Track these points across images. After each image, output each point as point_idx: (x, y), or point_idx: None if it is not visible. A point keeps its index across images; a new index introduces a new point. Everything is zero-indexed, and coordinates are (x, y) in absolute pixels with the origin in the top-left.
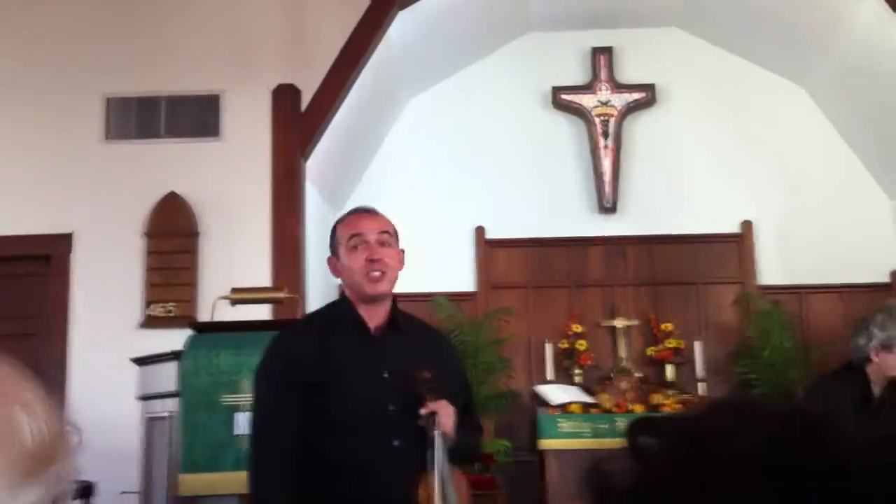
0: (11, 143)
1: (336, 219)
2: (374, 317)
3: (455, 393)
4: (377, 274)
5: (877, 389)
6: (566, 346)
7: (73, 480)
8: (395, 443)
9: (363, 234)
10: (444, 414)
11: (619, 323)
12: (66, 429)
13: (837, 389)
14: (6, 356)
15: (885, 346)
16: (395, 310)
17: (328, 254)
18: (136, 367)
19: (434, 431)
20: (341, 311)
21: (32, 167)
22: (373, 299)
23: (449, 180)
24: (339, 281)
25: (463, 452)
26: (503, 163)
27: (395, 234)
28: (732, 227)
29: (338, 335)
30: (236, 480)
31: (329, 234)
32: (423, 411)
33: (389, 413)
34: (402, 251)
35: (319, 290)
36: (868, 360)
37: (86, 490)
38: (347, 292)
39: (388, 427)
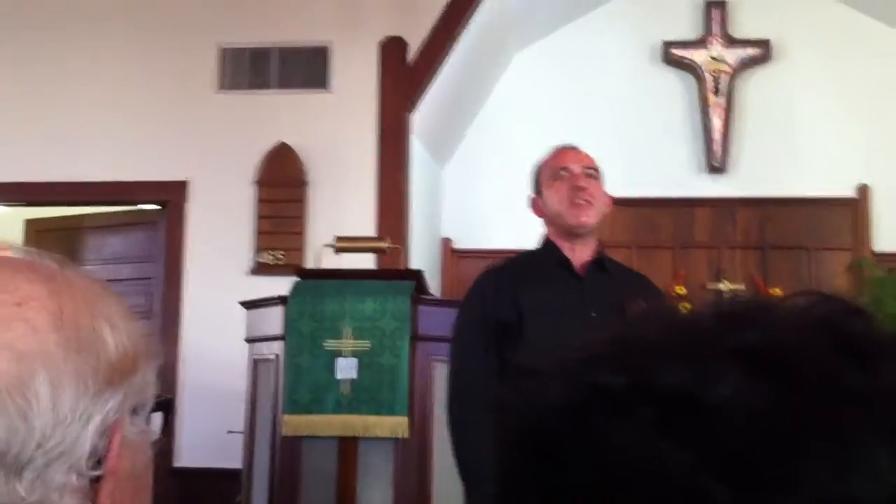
0: (131, 92)
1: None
2: (580, 256)
3: None
4: (581, 202)
5: None
6: None
7: (153, 392)
8: None
9: (569, 167)
10: None
11: (725, 286)
12: (146, 343)
13: None
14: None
15: None
16: (601, 251)
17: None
18: (245, 311)
19: None
20: (546, 251)
21: (150, 116)
22: (577, 232)
23: (553, 136)
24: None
25: None
26: (608, 119)
27: (600, 173)
28: (848, 191)
29: (541, 274)
30: (337, 423)
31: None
32: None
33: None
34: (610, 197)
35: (423, 241)
36: None
37: (166, 404)
38: (550, 231)
39: None
